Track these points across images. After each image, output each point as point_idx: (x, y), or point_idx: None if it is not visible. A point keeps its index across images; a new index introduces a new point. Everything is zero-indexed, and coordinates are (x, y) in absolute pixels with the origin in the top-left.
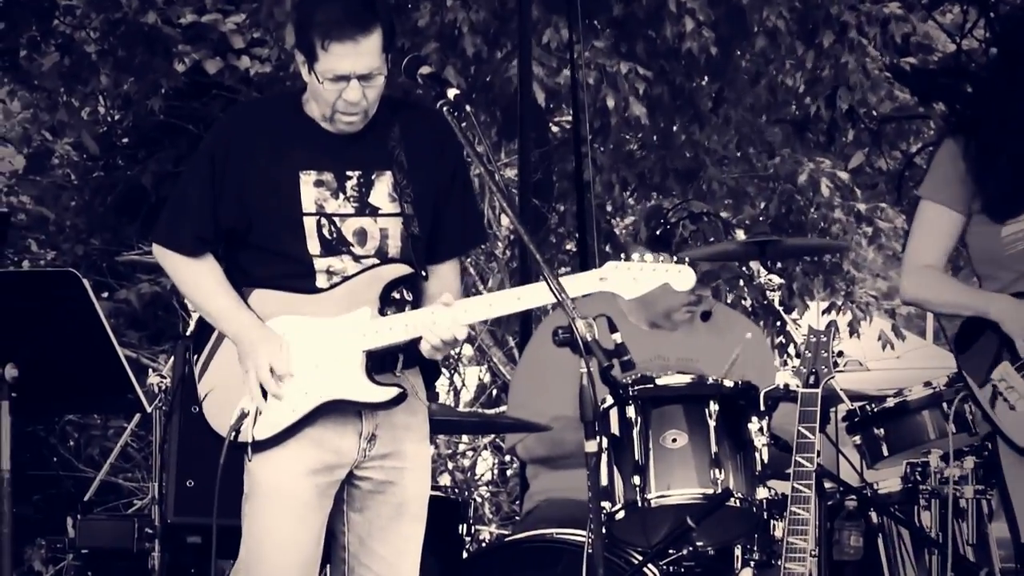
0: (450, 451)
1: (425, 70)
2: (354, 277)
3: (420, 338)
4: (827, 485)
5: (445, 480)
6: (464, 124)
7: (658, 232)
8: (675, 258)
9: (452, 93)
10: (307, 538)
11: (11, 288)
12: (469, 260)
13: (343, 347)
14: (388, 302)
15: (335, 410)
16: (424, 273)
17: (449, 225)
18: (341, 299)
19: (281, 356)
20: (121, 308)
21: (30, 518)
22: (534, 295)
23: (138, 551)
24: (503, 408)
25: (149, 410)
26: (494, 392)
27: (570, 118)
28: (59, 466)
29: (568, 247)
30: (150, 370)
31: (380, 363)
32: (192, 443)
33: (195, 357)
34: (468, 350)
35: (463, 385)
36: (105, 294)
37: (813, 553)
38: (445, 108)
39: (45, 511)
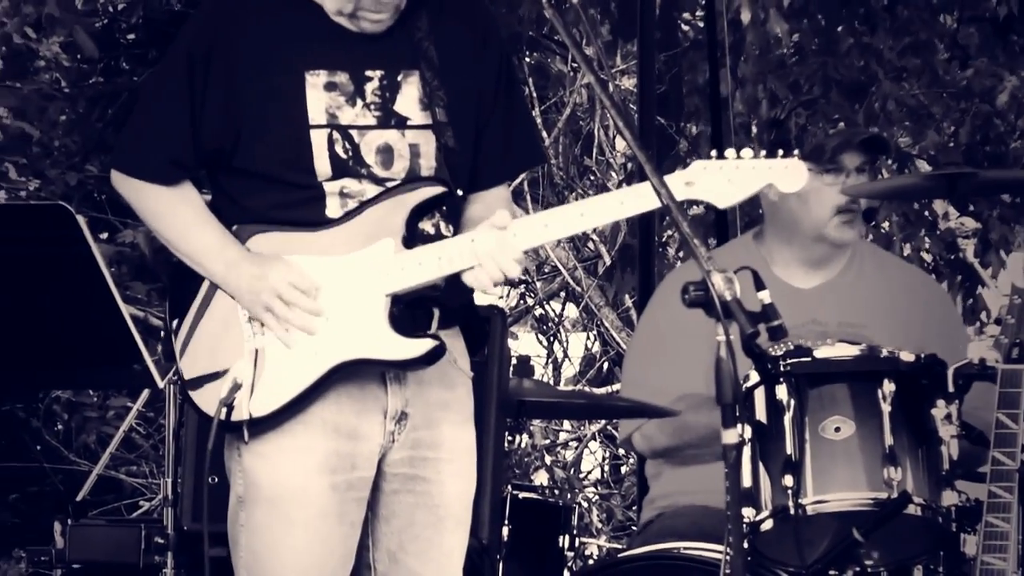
0: (548, 442)
1: None
2: (372, 203)
3: (456, 284)
4: None
5: (542, 479)
6: (568, 20)
7: (772, 137)
8: (780, 152)
9: None
10: (328, 559)
11: None
12: (572, 196)
13: (360, 292)
14: (417, 234)
15: (352, 378)
16: (460, 192)
17: (493, 141)
18: (356, 231)
19: (297, 272)
20: (125, 253)
21: (6, 523)
22: (600, 211)
23: (145, 566)
24: (616, 387)
25: (161, 385)
26: (605, 366)
27: (703, 13)
28: (44, 457)
29: None
30: (162, 333)
31: (409, 321)
32: None
33: (174, 322)
34: (573, 311)
35: (565, 357)
36: (104, 235)
37: None
38: None
39: (26, 514)
